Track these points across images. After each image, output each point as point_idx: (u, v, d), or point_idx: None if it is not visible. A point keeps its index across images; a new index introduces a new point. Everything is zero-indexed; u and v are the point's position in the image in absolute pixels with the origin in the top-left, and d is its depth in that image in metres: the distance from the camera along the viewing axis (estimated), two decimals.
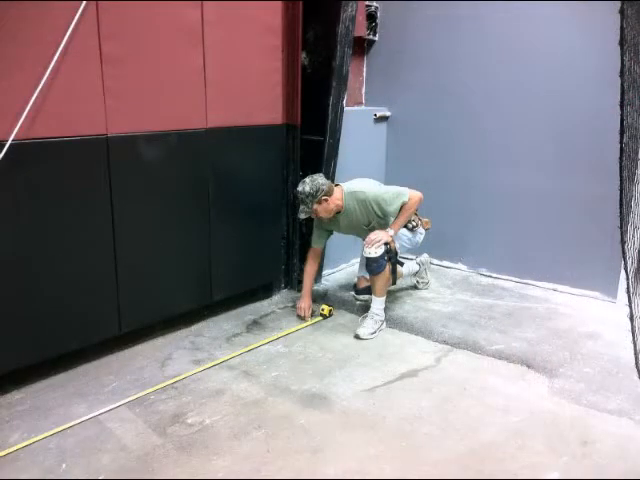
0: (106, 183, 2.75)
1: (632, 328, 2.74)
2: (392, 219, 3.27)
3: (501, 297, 3.80)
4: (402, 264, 3.63)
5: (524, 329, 3.29)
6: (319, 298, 3.73)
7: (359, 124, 4.23)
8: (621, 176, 2.51)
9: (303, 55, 3.59)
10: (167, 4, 2.84)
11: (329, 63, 3.53)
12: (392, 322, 3.40)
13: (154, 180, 2.96)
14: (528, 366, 2.89)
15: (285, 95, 3.58)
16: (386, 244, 3.19)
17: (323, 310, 3.50)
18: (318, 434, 2.34)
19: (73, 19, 2.47)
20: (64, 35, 2.46)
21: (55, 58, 2.44)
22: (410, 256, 4.02)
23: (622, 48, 2.34)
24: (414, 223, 3.49)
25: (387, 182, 3.85)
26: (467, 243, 4.26)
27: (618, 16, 2.33)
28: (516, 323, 3.38)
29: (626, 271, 2.70)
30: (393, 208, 3.24)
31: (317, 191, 3.17)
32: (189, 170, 3.14)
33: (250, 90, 3.36)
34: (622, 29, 2.30)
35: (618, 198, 2.56)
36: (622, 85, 2.40)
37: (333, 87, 3.56)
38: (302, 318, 3.47)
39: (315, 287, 3.72)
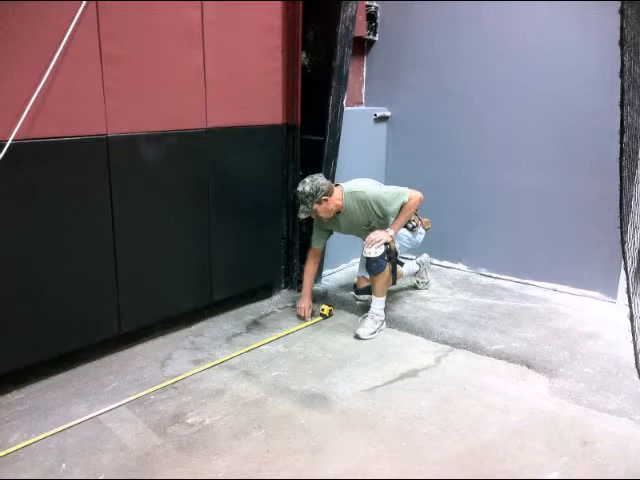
0: (106, 183, 2.75)
1: (632, 328, 2.74)
2: (392, 219, 3.27)
3: (501, 297, 3.80)
4: (402, 264, 3.63)
5: (524, 329, 3.29)
6: (319, 298, 3.73)
7: (359, 124, 4.23)
8: (621, 176, 2.51)
9: (303, 55, 3.59)
10: (167, 4, 2.84)
11: (329, 63, 3.53)
12: (392, 322, 3.40)
13: (154, 180, 2.96)
14: (528, 366, 2.89)
15: (285, 95, 3.58)
16: (386, 244, 3.19)
17: (323, 310, 3.50)
18: (318, 434, 2.34)
19: (73, 19, 2.47)
20: (64, 35, 2.46)
21: (55, 58, 2.44)
22: (410, 256, 4.02)
23: (622, 48, 2.34)
24: (414, 223, 3.49)
25: (387, 182, 3.86)
26: (467, 243, 4.26)
27: (618, 16, 2.33)
28: (516, 323, 3.38)
29: (626, 271, 2.70)
30: (393, 208, 3.24)
31: (317, 191, 3.17)
32: (189, 170, 3.14)
33: (250, 90, 3.36)
34: (622, 29, 2.30)
35: (618, 198, 2.56)
36: (622, 85, 2.40)
37: (333, 87, 3.56)
38: (302, 318, 3.47)
39: (315, 287, 3.72)
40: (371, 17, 4.29)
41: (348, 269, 4.33)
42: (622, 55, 2.35)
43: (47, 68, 2.42)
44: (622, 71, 2.38)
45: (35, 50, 2.41)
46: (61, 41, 2.45)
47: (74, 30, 2.49)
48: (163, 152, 2.97)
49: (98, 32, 2.59)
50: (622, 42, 2.32)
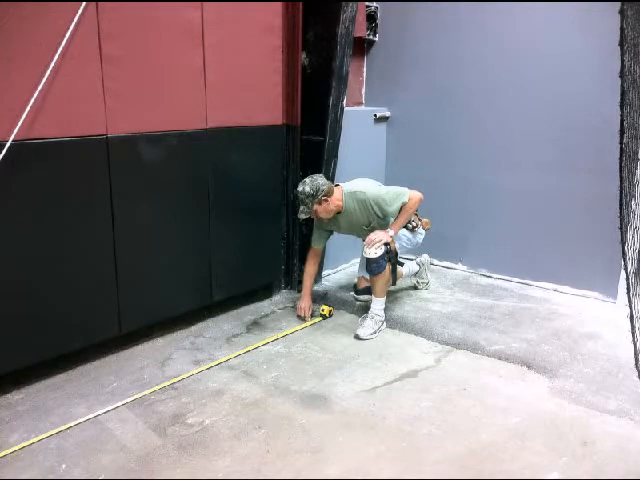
0: (106, 183, 2.75)
1: (632, 328, 2.74)
2: (392, 219, 3.27)
3: (501, 297, 3.80)
4: (402, 264, 3.63)
5: (524, 329, 3.29)
6: (319, 298, 3.73)
7: (359, 124, 4.23)
8: (621, 176, 2.52)
9: (303, 55, 3.59)
10: (167, 5, 2.84)
11: (329, 63, 3.53)
12: (392, 322, 3.40)
13: (154, 180, 2.96)
14: (528, 366, 2.89)
15: (285, 95, 3.58)
16: (386, 244, 3.19)
17: (323, 310, 3.50)
18: (318, 434, 2.34)
19: (73, 19, 2.47)
20: (64, 35, 2.46)
21: (55, 58, 2.44)
22: (410, 256, 4.02)
23: (622, 48, 2.34)
24: (414, 223, 3.49)
25: (387, 182, 3.86)
26: (467, 243, 4.26)
27: (618, 17, 2.33)
28: (516, 323, 3.38)
29: (626, 271, 2.70)
30: (393, 208, 3.24)
31: (317, 191, 3.17)
32: (189, 170, 3.14)
33: (250, 90, 3.36)
34: (622, 29, 2.31)
35: (618, 198, 2.56)
36: (622, 86, 2.40)
37: (333, 87, 3.56)
38: (302, 318, 3.46)
39: (315, 287, 3.72)
40: (371, 17, 4.29)
41: (348, 269, 4.33)
42: (622, 55, 2.36)
43: (47, 68, 2.42)
44: (622, 72, 2.38)
45: (35, 50, 2.41)
46: (61, 41, 2.45)
47: (74, 30, 2.49)
48: (163, 152, 2.97)
49: (98, 32, 2.60)
50: (622, 42, 2.33)
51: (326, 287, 3.93)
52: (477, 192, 4.14)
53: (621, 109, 2.39)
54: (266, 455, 2.21)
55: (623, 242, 2.68)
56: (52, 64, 2.44)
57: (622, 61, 2.37)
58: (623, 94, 2.39)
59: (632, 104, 2.42)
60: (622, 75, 2.38)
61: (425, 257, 3.98)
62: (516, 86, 3.84)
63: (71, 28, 2.47)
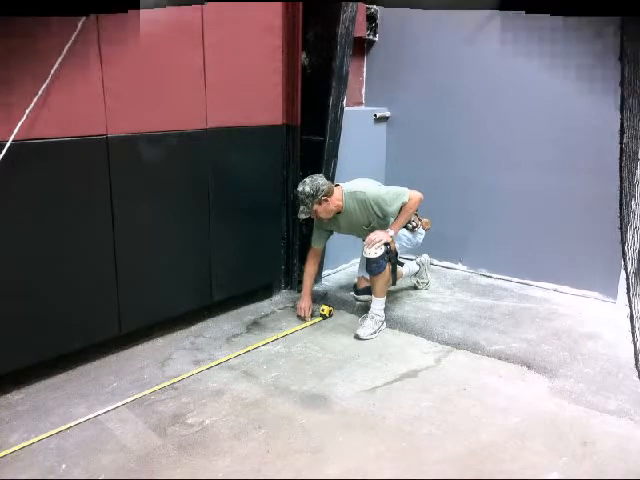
0: (106, 183, 2.75)
1: (632, 328, 2.74)
2: (392, 219, 3.27)
3: (501, 297, 3.80)
4: (402, 264, 3.63)
5: (524, 329, 3.29)
6: (319, 298, 3.72)
7: (359, 124, 4.23)
8: (621, 176, 2.52)
9: (303, 55, 3.59)
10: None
11: (329, 63, 3.53)
12: (392, 322, 3.40)
13: (154, 180, 2.96)
14: (528, 366, 2.89)
15: (285, 95, 3.58)
16: (386, 244, 3.19)
17: (323, 310, 3.50)
18: (318, 434, 2.34)
19: (75, 27, 2.47)
20: (65, 37, 2.45)
21: (59, 61, 2.44)
22: (410, 256, 4.02)
23: (622, 61, 2.35)
24: (414, 223, 3.49)
25: (387, 182, 3.86)
26: (467, 244, 4.26)
27: (619, 31, 2.34)
28: (516, 323, 3.38)
29: (626, 271, 2.70)
30: (393, 208, 3.24)
31: (317, 191, 3.17)
32: (189, 170, 3.14)
33: (250, 90, 3.36)
34: (622, 42, 2.31)
35: (618, 198, 2.56)
36: (622, 94, 2.40)
37: (333, 87, 3.56)
38: (302, 318, 3.46)
39: (315, 287, 3.72)
40: (371, 18, 4.28)
41: (348, 269, 4.33)
42: (622, 68, 2.36)
43: (48, 69, 2.42)
44: (622, 82, 2.38)
45: (36, 51, 2.40)
46: (62, 42, 2.45)
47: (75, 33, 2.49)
48: (163, 152, 2.97)
49: (98, 33, 2.59)
50: (622, 55, 2.33)
51: (326, 287, 3.93)
52: (477, 192, 4.14)
53: (621, 113, 2.40)
54: (266, 455, 2.21)
55: (623, 242, 2.69)
56: (55, 66, 2.43)
57: (622, 72, 2.37)
58: (623, 100, 2.40)
59: (632, 108, 2.42)
60: (622, 84, 2.38)
61: (425, 257, 3.98)
62: (516, 86, 3.84)
63: (74, 36, 2.47)
